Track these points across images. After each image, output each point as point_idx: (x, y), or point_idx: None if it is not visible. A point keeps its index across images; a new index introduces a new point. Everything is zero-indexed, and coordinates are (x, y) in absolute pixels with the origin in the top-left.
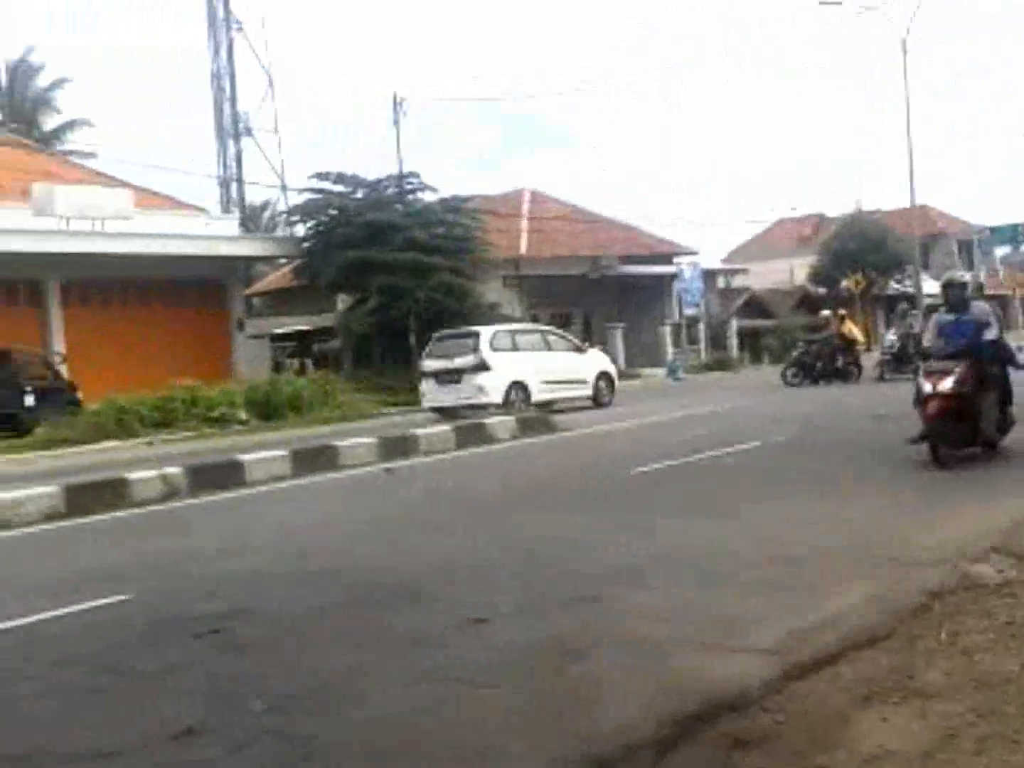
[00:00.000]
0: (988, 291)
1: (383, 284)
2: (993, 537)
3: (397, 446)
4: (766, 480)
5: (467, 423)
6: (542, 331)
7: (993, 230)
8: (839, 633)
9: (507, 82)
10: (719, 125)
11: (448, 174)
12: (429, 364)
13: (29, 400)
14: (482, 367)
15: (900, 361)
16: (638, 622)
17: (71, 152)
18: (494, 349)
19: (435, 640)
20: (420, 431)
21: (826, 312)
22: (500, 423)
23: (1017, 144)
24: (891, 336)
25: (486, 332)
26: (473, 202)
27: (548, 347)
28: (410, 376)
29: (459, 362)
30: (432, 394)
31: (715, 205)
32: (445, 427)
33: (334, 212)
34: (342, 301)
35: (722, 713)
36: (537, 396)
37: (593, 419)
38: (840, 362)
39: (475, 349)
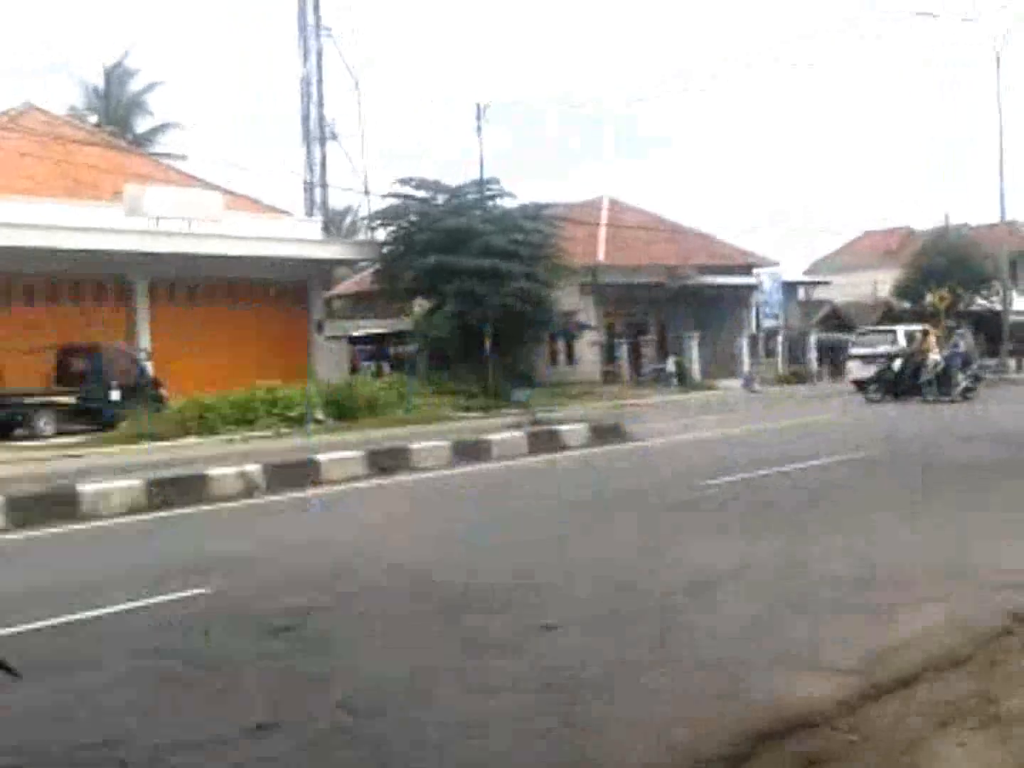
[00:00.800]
0: None
1: (460, 289)
2: None
3: (470, 450)
4: (842, 496)
5: (540, 430)
6: (925, 331)
7: None
8: (918, 654)
9: (593, 88)
10: (808, 135)
11: (530, 179)
12: (856, 350)
13: (115, 395)
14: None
15: (943, 383)
16: (712, 637)
17: (163, 154)
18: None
19: (508, 646)
20: (493, 436)
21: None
22: (572, 431)
23: None
24: (934, 356)
25: (900, 329)
26: (552, 209)
27: None
28: (484, 380)
29: (881, 349)
30: (857, 371)
31: (800, 215)
32: (517, 433)
33: (415, 218)
34: (419, 305)
35: (795, 732)
36: None
37: (666, 429)
38: (923, 378)
39: (894, 341)
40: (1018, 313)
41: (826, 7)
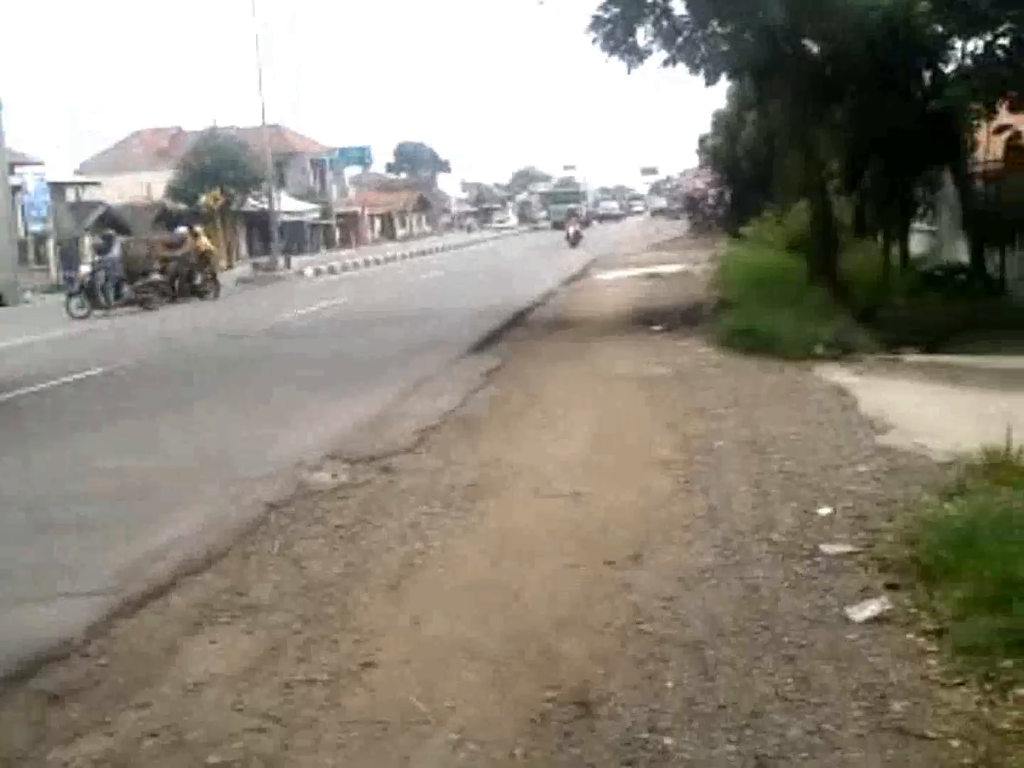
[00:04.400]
0: (340, 209)
1: None
2: (333, 443)
3: None
4: (109, 405)
5: None
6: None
7: (342, 152)
8: (173, 561)
9: None
10: (84, 28)
11: None
12: None
13: None
14: None
15: (94, 295)
16: None
17: None
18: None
19: None
20: None
21: (183, 229)
22: None
23: (363, 70)
24: (84, 267)
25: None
26: None
27: None
28: None
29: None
30: None
31: (69, 112)
32: None
33: None
34: None
35: (40, 668)
36: None
37: None
38: (199, 279)
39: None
40: (288, 213)
41: None
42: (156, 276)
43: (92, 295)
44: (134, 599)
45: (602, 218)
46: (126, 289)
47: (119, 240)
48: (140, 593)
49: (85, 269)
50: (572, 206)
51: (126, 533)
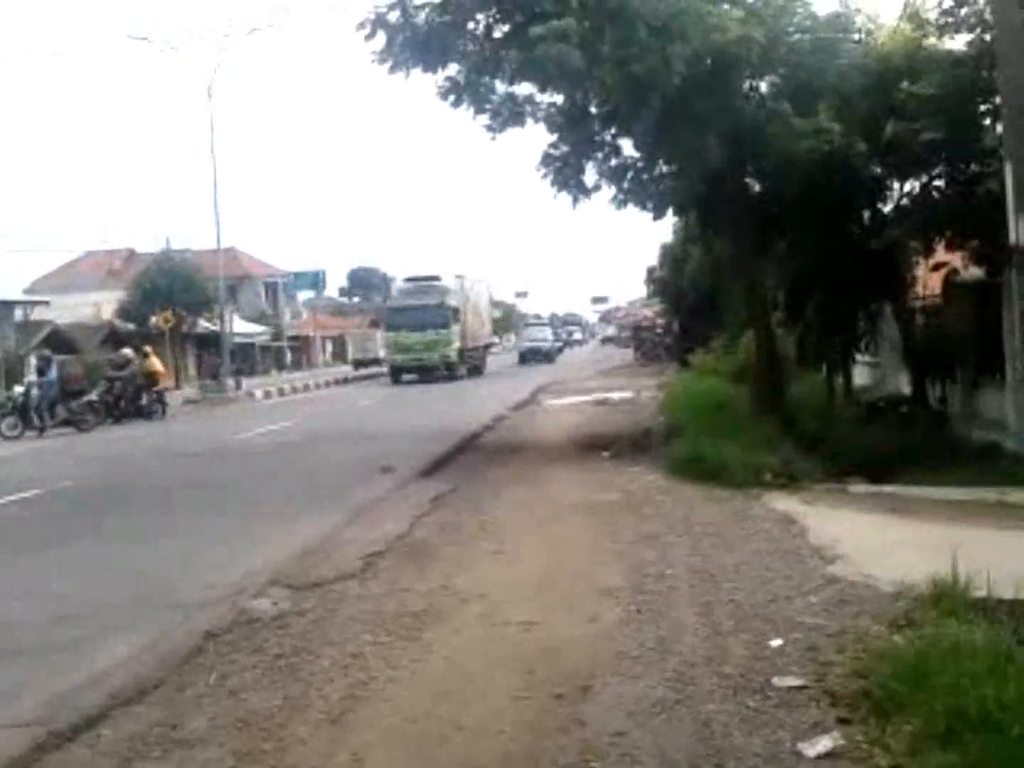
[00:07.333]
0: (292, 332)
1: None
2: (277, 568)
3: None
4: (47, 528)
5: None
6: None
7: (296, 276)
8: (106, 691)
9: None
10: (20, 147)
11: None
12: None
13: None
14: None
15: (27, 415)
16: None
17: None
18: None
19: None
20: None
21: (127, 350)
22: None
23: (317, 195)
24: (18, 387)
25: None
26: None
27: None
28: None
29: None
30: None
31: (18, 230)
32: None
33: None
34: None
35: None
36: None
37: None
38: (144, 400)
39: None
40: (239, 335)
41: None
42: (92, 396)
43: (25, 415)
44: (63, 731)
45: (525, 356)
46: (60, 409)
47: (56, 360)
48: (69, 725)
49: (19, 389)
50: (427, 338)
51: (58, 661)
